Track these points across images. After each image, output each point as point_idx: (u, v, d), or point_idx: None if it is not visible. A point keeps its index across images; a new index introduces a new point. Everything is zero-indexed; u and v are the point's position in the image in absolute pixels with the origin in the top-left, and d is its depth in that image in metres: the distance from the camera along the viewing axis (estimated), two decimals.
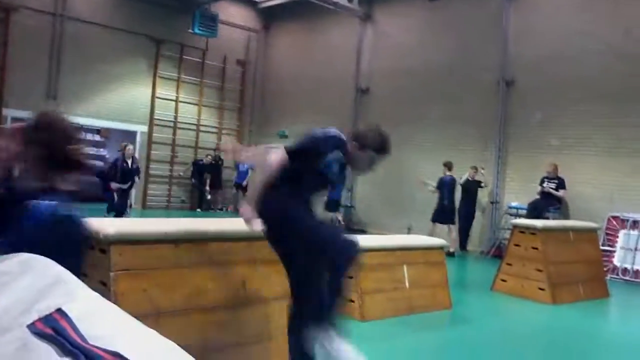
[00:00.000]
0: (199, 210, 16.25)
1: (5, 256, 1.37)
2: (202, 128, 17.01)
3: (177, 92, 16.51)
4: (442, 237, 8.58)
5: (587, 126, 10.80)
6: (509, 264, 7.89)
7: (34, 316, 1.10)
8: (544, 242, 7.59)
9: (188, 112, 16.75)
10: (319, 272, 3.19)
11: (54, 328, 1.05)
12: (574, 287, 7.73)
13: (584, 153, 10.81)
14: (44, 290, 1.20)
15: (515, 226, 8.09)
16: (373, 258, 5.99)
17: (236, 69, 17.64)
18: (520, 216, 10.87)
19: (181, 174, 16.60)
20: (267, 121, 17.84)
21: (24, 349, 1.02)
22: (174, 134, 16.51)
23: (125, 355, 0.97)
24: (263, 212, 3.23)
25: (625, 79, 10.32)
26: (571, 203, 10.80)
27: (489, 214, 12.22)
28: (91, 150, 18.31)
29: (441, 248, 6.97)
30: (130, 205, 12.91)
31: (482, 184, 11.79)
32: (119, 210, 11.57)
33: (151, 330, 1.11)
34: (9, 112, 14.00)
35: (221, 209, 16.68)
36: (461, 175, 11.84)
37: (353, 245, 3.13)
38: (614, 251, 10.19)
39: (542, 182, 10.76)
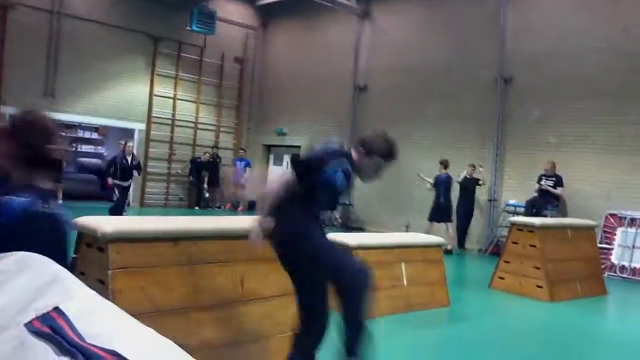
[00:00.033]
0: (197, 208, 16.23)
1: (2, 255, 1.36)
2: (200, 126, 16.98)
3: (175, 90, 16.48)
4: (439, 235, 8.58)
5: (585, 124, 10.80)
6: (507, 262, 7.89)
7: (31, 315, 1.09)
8: (542, 239, 7.59)
9: (186, 110, 16.72)
10: (325, 294, 3.13)
11: (51, 327, 1.05)
12: (571, 285, 7.75)
13: (582, 150, 10.82)
14: (41, 288, 1.20)
15: (513, 224, 8.09)
16: (371, 256, 5.98)
17: (234, 66, 17.61)
18: (518, 214, 10.88)
19: (179, 171, 16.58)
20: (265, 119, 17.83)
21: (22, 348, 1.02)
22: (172, 131, 16.48)
23: (123, 354, 0.97)
24: (274, 232, 3.15)
25: (623, 76, 10.33)
26: (569, 201, 10.81)
27: (487, 211, 12.23)
28: (89, 148, 18.34)
29: (439, 246, 6.98)
30: (129, 204, 12.87)
31: (480, 182, 11.80)
32: (117, 208, 11.50)
33: (148, 328, 1.10)
34: (7, 110, 13.95)
35: (219, 207, 16.67)
36: (459, 173, 11.84)
37: (366, 275, 3.02)
38: (612, 249, 10.20)
39: (540, 179, 10.77)
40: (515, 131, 11.87)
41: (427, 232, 10.65)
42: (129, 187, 12.04)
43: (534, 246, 7.60)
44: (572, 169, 10.75)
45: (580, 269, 7.97)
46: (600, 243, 9.83)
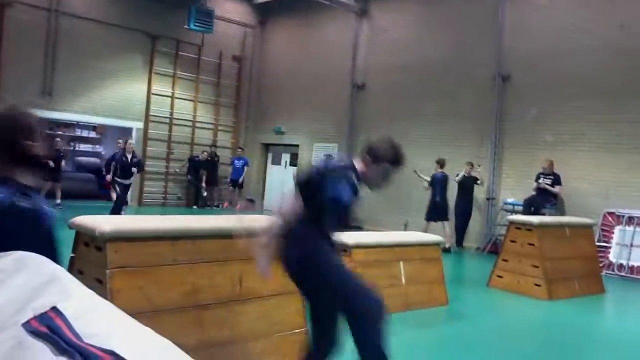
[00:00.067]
0: (195, 207, 16.21)
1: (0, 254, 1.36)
2: (198, 124, 16.96)
3: (173, 88, 16.46)
4: (437, 234, 8.58)
5: (582, 122, 10.81)
6: (505, 260, 7.91)
7: (29, 314, 1.09)
8: (540, 238, 7.61)
9: (184, 109, 16.70)
10: (335, 317, 3.06)
11: (49, 326, 1.04)
12: (569, 283, 7.76)
13: (580, 149, 10.84)
14: (39, 288, 1.19)
15: (511, 222, 8.11)
16: (369, 255, 5.99)
17: (232, 65, 17.59)
18: (516, 212, 10.90)
19: (177, 170, 16.56)
20: (263, 117, 17.82)
21: (19, 348, 1.01)
22: (170, 130, 16.47)
23: (121, 354, 0.96)
24: (283, 255, 3.04)
25: (620, 74, 10.34)
26: (567, 199, 10.83)
27: (485, 210, 12.24)
28: (87, 147, 18.31)
29: (437, 244, 6.99)
30: (126, 202, 12.85)
31: (479, 182, 11.79)
32: (116, 207, 11.43)
33: (146, 328, 1.10)
34: None
35: (217, 206, 16.66)
36: (457, 172, 11.84)
37: (379, 306, 2.92)
38: (610, 247, 10.22)
39: (537, 178, 10.78)
40: (513, 129, 11.88)
41: (425, 231, 10.65)
42: (129, 185, 11.95)
43: (532, 245, 7.61)
44: (569, 168, 10.77)
45: (578, 267, 7.98)
46: (598, 241, 9.85)
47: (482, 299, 7.47)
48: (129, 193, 12.74)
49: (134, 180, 12.75)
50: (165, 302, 3.46)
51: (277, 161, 17.94)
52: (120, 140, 13.80)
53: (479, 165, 11.84)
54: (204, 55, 16.87)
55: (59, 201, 13.57)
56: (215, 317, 3.70)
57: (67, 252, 3.64)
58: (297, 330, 4.16)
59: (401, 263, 6.27)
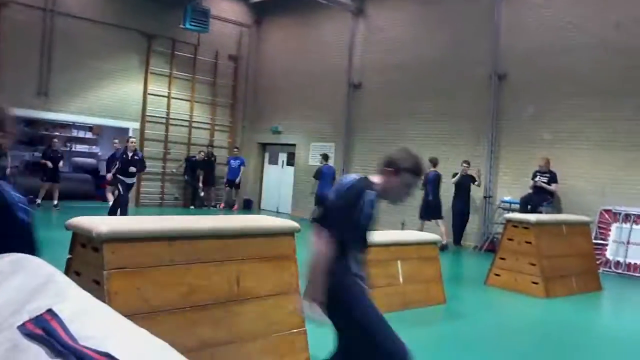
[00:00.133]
0: (192, 207, 16.19)
1: None
2: (194, 124, 16.94)
3: (169, 88, 16.43)
4: (432, 232, 8.60)
5: (579, 120, 10.83)
6: (503, 258, 7.92)
7: (24, 317, 1.08)
8: (537, 236, 7.62)
9: (180, 108, 16.68)
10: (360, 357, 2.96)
11: (44, 329, 1.04)
12: (567, 281, 7.78)
13: (577, 147, 10.85)
14: (35, 290, 1.19)
15: (508, 220, 8.12)
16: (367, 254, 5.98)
17: (228, 64, 17.57)
18: (513, 210, 10.90)
19: (174, 170, 16.54)
20: (259, 116, 17.80)
21: (15, 350, 1.01)
22: (167, 130, 16.44)
23: (116, 356, 0.96)
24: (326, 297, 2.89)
25: (616, 72, 10.36)
26: (564, 197, 10.84)
27: (482, 208, 12.25)
28: (83, 148, 18.27)
29: (434, 243, 6.99)
30: (127, 202, 12.79)
31: (477, 182, 11.78)
32: (121, 206, 11.18)
33: (142, 329, 1.10)
34: None
35: (214, 206, 16.64)
36: (452, 171, 11.82)
37: (405, 355, 2.82)
38: (607, 244, 10.24)
39: (534, 176, 10.79)
40: (510, 128, 11.90)
41: (421, 229, 10.67)
42: (132, 184, 11.80)
43: (530, 243, 7.62)
44: (566, 165, 10.78)
45: (575, 265, 8.00)
46: (595, 239, 9.87)
47: (479, 298, 7.48)
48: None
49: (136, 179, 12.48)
50: (163, 303, 3.45)
51: (274, 161, 17.93)
52: (116, 140, 13.79)
53: (479, 171, 11.83)
54: (200, 55, 16.85)
55: (56, 202, 13.54)
56: (212, 318, 3.69)
57: (64, 254, 3.63)
58: (294, 330, 4.15)
59: (399, 262, 6.27)
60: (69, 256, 3.61)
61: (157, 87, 16.18)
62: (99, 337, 1.02)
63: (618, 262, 10.03)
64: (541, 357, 5.15)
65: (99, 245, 3.28)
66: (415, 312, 6.04)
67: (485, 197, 12.16)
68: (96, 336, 1.03)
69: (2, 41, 13.56)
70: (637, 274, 9.77)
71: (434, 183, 11.48)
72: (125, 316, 1.20)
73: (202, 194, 16.40)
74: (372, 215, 2.91)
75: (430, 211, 11.42)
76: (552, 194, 10.65)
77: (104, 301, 3.01)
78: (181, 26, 15.41)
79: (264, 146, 18.11)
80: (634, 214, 10.04)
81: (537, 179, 10.71)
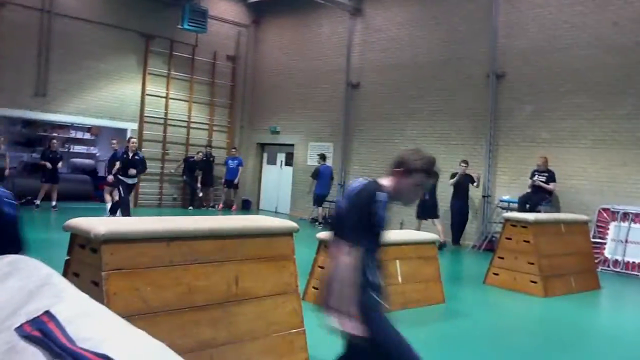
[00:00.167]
0: (190, 207, 16.17)
1: None
2: (193, 125, 16.92)
3: (167, 89, 16.42)
4: (430, 230, 8.60)
5: (577, 119, 10.84)
6: (501, 258, 7.92)
7: (21, 319, 1.08)
8: (536, 235, 7.63)
9: (178, 109, 16.66)
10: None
11: (41, 330, 1.03)
12: (565, 280, 7.78)
13: (575, 146, 10.86)
14: (33, 292, 1.19)
15: (507, 220, 8.12)
16: None
17: (226, 64, 17.56)
18: (511, 210, 10.91)
19: (172, 171, 16.52)
20: (258, 117, 17.80)
21: (12, 352, 1.01)
22: (165, 131, 16.42)
23: (114, 357, 0.96)
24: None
25: (614, 71, 10.37)
26: (562, 196, 10.85)
27: (481, 208, 12.26)
28: (81, 149, 18.25)
29: (433, 243, 6.99)
30: (127, 202, 12.76)
31: (475, 183, 11.78)
32: (123, 207, 11.09)
33: (140, 331, 1.09)
34: None
35: (213, 207, 16.63)
36: (452, 172, 11.80)
37: None
38: (605, 243, 10.25)
39: (532, 175, 10.80)
40: (508, 127, 11.90)
41: (418, 229, 10.68)
42: (133, 185, 11.69)
43: (528, 242, 7.63)
44: (565, 164, 10.79)
45: (574, 263, 8.00)
46: (594, 238, 9.88)
47: (478, 297, 7.48)
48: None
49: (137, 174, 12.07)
50: (162, 304, 3.45)
51: (272, 161, 17.93)
52: (114, 141, 13.75)
53: (479, 176, 11.83)
54: (198, 55, 16.84)
55: (54, 203, 13.52)
56: (211, 318, 3.69)
57: (62, 255, 3.63)
58: (293, 331, 4.15)
59: (397, 262, 6.27)
60: (67, 257, 3.60)
61: (155, 87, 16.16)
62: (97, 338, 1.02)
63: (616, 260, 10.04)
64: (540, 355, 5.15)
65: (98, 246, 3.28)
66: (414, 312, 6.04)
67: (483, 197, 12.17)
68: (94, 338, 1.02)
69: (0, 42, 13.54)
70: (635, 273, 9.79)
71: None
72: (124, 317, 1.19)
73: (200, 194, 16.38)
74: (386, 217, 2.82)
75: (426, 210, 11.41)
76: (550, 193, 10.66)
77: (102, 302, 3.01)
78: (179, 26, 15.41)
79: (262, 146, 18.11)
80: (632, 213, 10.05)
81: (535, 178, 10.71)
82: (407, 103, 13.58)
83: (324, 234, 6.35)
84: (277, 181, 17.46)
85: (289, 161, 17.12)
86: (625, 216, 10.13)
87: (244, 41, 17.82)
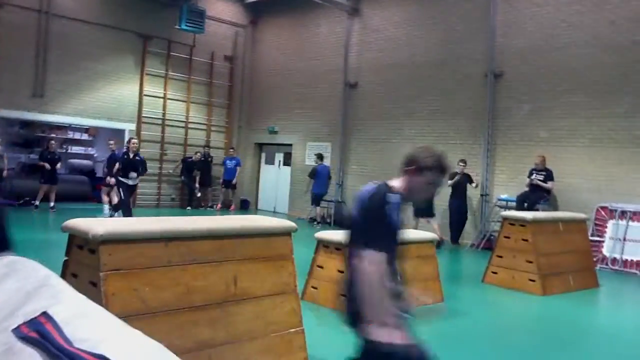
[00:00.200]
0: (189, 208, 16.17)
1: None
2: (190, 125, 16.91)
3: (165, 89, 16.40)
4: (427, 229, 8.60)
5: (575, 117, 10.85)
6: (500, 256, 7.93)
7: (19, 320, 1.08)
8: (534, 233, 7.64)
9: (176, 109, 16.65)
10: None
11: (38, 331, 1.04)
12: (564, 278, 7.79)
13: (573, 144, 10.87)
14: (30, 293, 1.19)
15: (505, 218, 8.13)
16: None
17: (224, 65, 17.55)
18: (509, 208, 10.92)
19: (170, 171, 16.51)
20: (256, 117, 17.80)
21: (9, 353, 1.01)
22: (163, 131, 16.41)
23: (111, 358, 0.96)
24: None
25: (611, 70, 10.39)
26: (560, 194, 10.86)
27: (479, 206, 12.27)
28: (79, 149, 18.23)
29: (432, 242, 7.00)
30: (128, 205, 12.74)
31: (474, 184, 11.79)
32: (124, 209, 10.97)
33: (137, 331, 1.09)
34: None
35: (211, 207, 16.62)
36: (454, 171, 11.78)
37: None
38: (603, 241, 10.27)
39: (530, 174, 10.81)
40: (506, 126, 11.91)
41: (415, 228, 10.68)
42: (134, 186, 11.50)
43: (526, 240, 7.64)
44: (563, 163, 10.81)
45: (572, 262, 8.02)
46: (592, 236, 9.90)
47: (477, 295, 7.49)
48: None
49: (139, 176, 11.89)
50: (160, 304, 3.45)
51: (270, 161, 17.92)
52: (112, 141, 13.74)
53: (477, 183, 11.85)
54: (195, 56, 16.83)
55: (52, 204, 13.50)
56: (210, 318, 3.69)
57: (60, 255, 3.62)
58: (292, 330, 4.16)
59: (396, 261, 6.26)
60: (65, 258, 3.60)
61: (153, 88, 16.16)
62: (94, 339, 1.02)
63: (615, 258, 10.05)
64: (538, 354, 5.16)
65: (96, 247, 3.28)
66: None
67: (482, 195, 12.18)
68: (91, 338, 1.02)
69: None
70: (633, 271, 9.80)
71: None
72: (123, 318, 1.19)
73: (198, 194, 16.37)
74: (400, 219, 2.73)
75: (421, 209, 11.41)
76: (548, 191, 10.67)
77: (101, 303, 3.01)
78: (177, 27, 15.40)
79: (260, 146, 18.10)
80: (630, 211, 10.07)
81: (533, 177, 10.73)
82: (405, 103, 13.59)
83: (322, 234, 6.36)
84: (275, 181, 17.46)
85: (287, 161, 17.13)
86: (623, 214, 10.15)
87: (241, 41, 17.81)
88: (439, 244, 10.20)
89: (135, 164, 11.16)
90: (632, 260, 9.90)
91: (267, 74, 17.50)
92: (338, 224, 13.53)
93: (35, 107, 14.26)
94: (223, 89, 17.56)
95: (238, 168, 16.58)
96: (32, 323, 1.06)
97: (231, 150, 17.00)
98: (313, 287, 6.22)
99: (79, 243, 3.50)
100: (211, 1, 16.69)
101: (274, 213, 16.19)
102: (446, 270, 8.37)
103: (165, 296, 3.49)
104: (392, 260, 2.72)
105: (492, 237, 11.27)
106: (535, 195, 10.62)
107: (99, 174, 16.21)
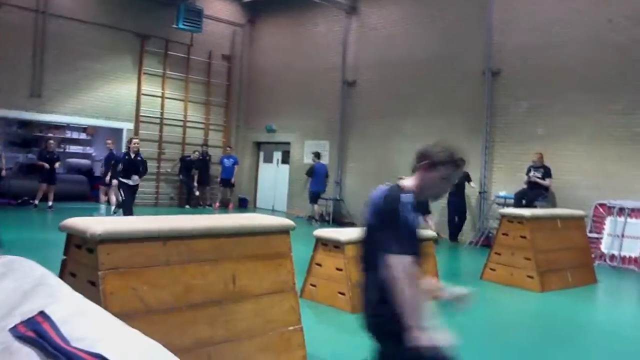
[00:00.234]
0: (187, 206, 16.17)
1: None
2: (188, 124, 16.91)
3: (163, 88, 16.39)
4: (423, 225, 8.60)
5: (572, 115, 10.86)
6: (498, 253, 7.94)
7: (16, 319, 1.08)
8: (532, 230, 7.65)
9: (174, 109, 16.64)
10: None
11: (35, 331, 1.04)
12: (562, 275, 7.81)
13: (570, 141, 10.88)
14: (27, 292, 1.19)
15: (503, 215, 8.14)
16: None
17: (222, 64, 17.54)
18: (508, 205, 10.93)
19: (169, 170, 16.51)
20: (254, 116, 17.79)
21: (6, 353, 1.01)
22: (161, 130, 16.40)
23: (108, 357, 0.96)
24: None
25: (609, 67, 10.39)
26: (558, 191, 10.88)
27: (477, 204, 12.28)
28: (77, 149, 18.21)
29: (430, 239, 7.01)
30: (129, 207, 12.71)
31: (473, 184, 11.81)
32: (125, 211, 10.82)
33: (135, 330, 1.10)
34: None
35: (210, 205, 16.62)
36: None
37: None
38: (601, 238, 10.28)
39: (528, 171, 10.82)
40: (504, 123, 11.92)
41: None
42: (136, 187, 11.30)
43: (524, 237, 7.65)
44: (561, 160, 10.82)
45: (570, 258, 8.03)
46: (590, 232, 9.91)
47: (475, 292, 7.49)
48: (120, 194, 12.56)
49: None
50: (159, 303, 3.45)
51: (268, 159, 17.92)
52: (109, 141, 13.74)
53: (474, 188, 11.92)
54: (193, 55, 16.81)
55: (50, 203, 13.50)
56: (209, 317, 3.69)
57: (59, 255, 3.62)
58: (291, 328, 4.16)
59: None
60: (63, 257, 3.60)
61: (151, 87, 16.14)
62: (91, 338, 1.02)
63: (613, 255, 10.07)
64: (537, 350, 5.17)
65: (94, 246, 3.28)
66: None
67: (480, 193, 12.19)
68: (88, 337, 1.03)
69: None
70: (631, 267, 9.82)
71: None
72: (121, 317, 1.20)
73: (197, 193, 16.38)
74: (416, 220, 2.66)
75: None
76: (546, 188, 10.69)
77: (99, 302, 3.01)
78: (174, 26, 15.38)
79: (258, 145, 18.10)
80: (628, 208, 10.08)
81: (531, 174, 10.74)
82: (403, 101, 13.59)
83: (321, 232, 6.36)
84: (273, 179, 17.46)
85: (285, 159, 17.13)
86: (621, 211, 10.16)
87: (239, 40, 17.80)
88: (435, 241, 10.21)
89: (137, 165, 11.07)
90: (630, 257, 9.92)
91: (265, 72, 17.48)
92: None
93: (32, 107, 14.24)
94: (221, 88, 17.55)
95: (236, 166, 16.58)
96: (29, 322, 1.06)
97: (228, 148, 17.00)
98: (312, 284, 6.22)
99: (77, 242, 3.50)
100: (209, 0, 16.67)
101: (273, 211, 16.19)
102: (445, 267, 8.38)
103: (163, 295, 3.49)
104: (417, 260, 2.66)
105: (490, 235, 11.28)
106: (534, 193, 10.63)
107: (97, 173, 16.20)
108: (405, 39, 13.73)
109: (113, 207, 12.45)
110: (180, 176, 16.44)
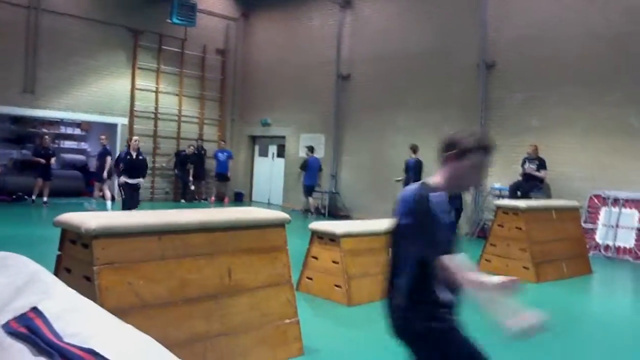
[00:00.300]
0: (183, 201, 16.16)
1: None
2: (183, 118, 16.86)
3: (157, 83, 16.33)
4: None
5: (567, 107, 10.87)
6: (493, 245, 7.97)
7: (8, 315, 1.08)
8: (527, 222, 7.67)
9: (169, 103, 16.59)
10: None
11: (28, 327, 1.03)
12: (557, 265, 7.84)
13: (565, 133, 10.90)
14: (20, 288, 1.19)
15: (498, 207, 8.16)
16: (359, 243, 6.01)
17: (216, 58, 17.48)
18: (503, 197, 10.96)
19: (164, 165, 16.48)
20: (248, 110, 17.75)
21: None
22: (155, 125, 16.35)
23: (101, 352, 0.96)
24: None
25: (604, 60, 10.40)
26: (553, 183, 10.90)
27: (473, 196, 12.30)
28: (72, 144, 18.14)
29: None
30: (113, 198, 12.75)
31: None
32: (125, 207, 10.83)
33: (128, 325, 1.10)
34: None
35: (205, 199, 16.61)
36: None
37: None
38: (596, 228, 10.33)
39: (523, 163, 10.85)
40: (499, 116, 11.92)
41: None
42: (139, 186, 11.08)
43: (520, 228, 7.67)
44: (556, 152, 10.84)
45: (565, 249, 8.06)
46: (585, 223, 9.95)
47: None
48: (115, 188, 12.55)
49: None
50: (154, 297, 3.45)
51: (264, 153, 17.91)
52: (103, 136, 13.68)
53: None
54: (187, 49, 16.75)
55: (45, 199, 13.48)
56: (204, 311, 3.70)
57: (53, 250, 3.62)
58: (287, 321, 4.17)
59: (390, 251, 6.28)
60: (58, 253, 3.59)
61: (145, 82, 16.08)
62: (84, 334, 1.02)
63: (607, 245, 10.11)
64: (532, 341, 5.18)
65: (89, 241, 3.27)
66: None
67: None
68: (81, 333, 1.02)
69: None
70: (626, 257, 9.87)
71: (414, 170, 11.55)
72: (117, 312, 1.20)
73: (192, 187, 16.37)
74: (447, 218, 2.53)
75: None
76: (541, 180, 10.71)
77: (95, 297, 3.01)
78: (168, 21, 15.31)
79: (253, 139, 18.07)
80: (622, 198, 10.13)
81: (526, 165, 10.76)
82: (398, 94, 13.57)
83: (316, 225, 6.36)
84: (269, 173, 17.45)
85: (280, 153, 17.11)
86: (615, 202, 10.20)
87: (233, 34, 17.73)
88: None
89: (141, 165, 10.95)
90: (624, 247, 9.97)
91: (260, 66, 17.43)
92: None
93: (26, 103, 14.18)
94: (215, 82, 17.50)
95: (230, 160, 16.57)
96: (22, 318, 1.06)
97: (222, 142, 16.97)
98: (308, 277, 6.23)
99: (71, 238, 3.49)
100: None
101: (268, 205, 16.19)
102: None
103: (159, 289, 3.49)
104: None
105: (485, 226, 11.31)
106: (529, 184, 10.66)
107: (92, 168, 16.15)
108: (399, 32, 13.71)
109: (108, 202, 12.43)
110: (176, 171, 16.43)
